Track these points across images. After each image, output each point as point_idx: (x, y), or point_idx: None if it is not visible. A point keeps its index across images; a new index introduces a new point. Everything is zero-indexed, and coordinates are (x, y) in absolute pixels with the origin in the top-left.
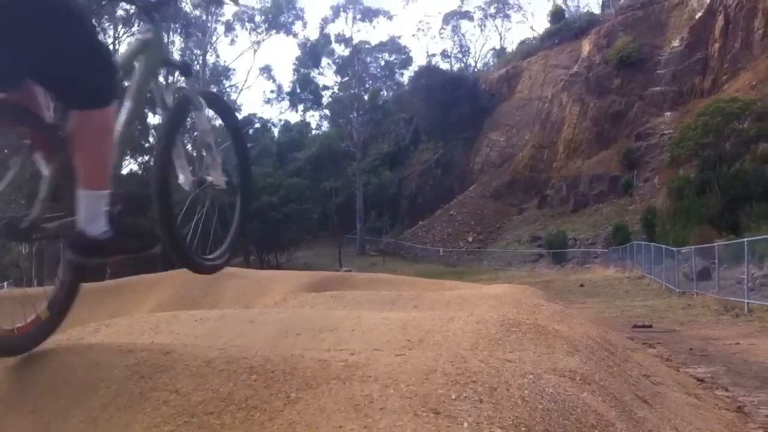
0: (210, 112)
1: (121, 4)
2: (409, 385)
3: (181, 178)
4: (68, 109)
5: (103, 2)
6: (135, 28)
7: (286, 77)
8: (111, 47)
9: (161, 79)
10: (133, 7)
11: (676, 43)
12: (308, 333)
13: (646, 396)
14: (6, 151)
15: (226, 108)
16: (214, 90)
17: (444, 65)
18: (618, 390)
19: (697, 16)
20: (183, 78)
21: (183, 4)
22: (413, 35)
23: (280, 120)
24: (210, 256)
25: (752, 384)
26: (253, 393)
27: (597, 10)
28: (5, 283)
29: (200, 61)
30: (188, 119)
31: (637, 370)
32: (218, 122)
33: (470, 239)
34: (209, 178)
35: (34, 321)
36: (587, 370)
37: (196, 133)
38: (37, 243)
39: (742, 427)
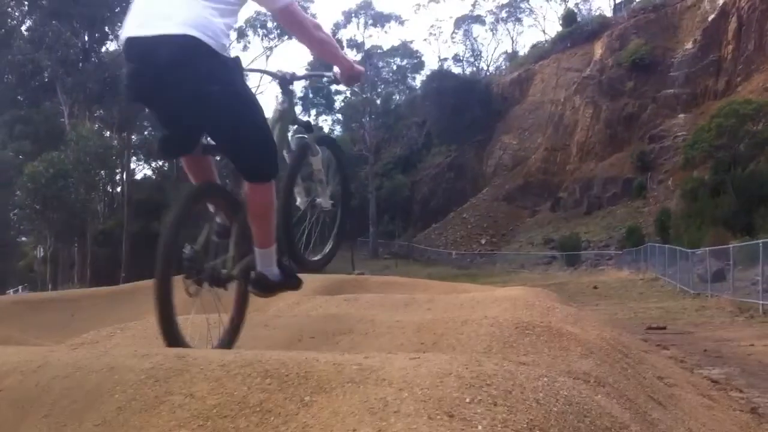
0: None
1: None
2: (424, 388)
3: (299, 201)
4: (242, 179)
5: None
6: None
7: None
8: None
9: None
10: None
11: (688, 45)
12: (322, 336)
13: (660, 398)
14: (198, 216)
15: (337, 148)
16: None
17: (456, 69)
18: (632, 392)
19: (709, 19)
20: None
21: None
22: (425, 40)
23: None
24: (315, 258)
25: (767, 385)
26: (268, 396)
27: (609, 13)
28: (20, 287)
29: None
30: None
31: (651, 372)
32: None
33: (483, 242)
34: (319, 200)
35: (225, 334)
36: (601, 373)
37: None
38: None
39: (756, 428)
